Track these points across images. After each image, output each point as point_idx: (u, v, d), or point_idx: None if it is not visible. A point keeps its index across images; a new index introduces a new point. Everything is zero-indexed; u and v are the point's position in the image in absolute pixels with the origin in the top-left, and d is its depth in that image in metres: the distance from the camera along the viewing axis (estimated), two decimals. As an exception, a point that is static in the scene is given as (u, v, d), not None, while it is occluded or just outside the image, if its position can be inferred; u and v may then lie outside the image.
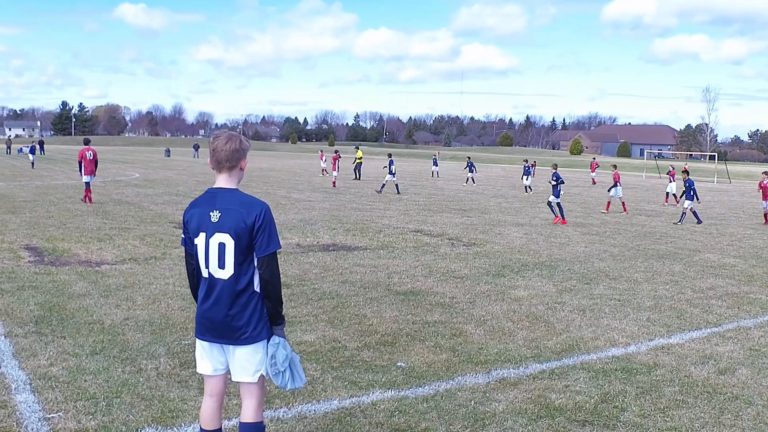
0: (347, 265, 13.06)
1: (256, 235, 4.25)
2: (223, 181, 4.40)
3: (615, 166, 31.34)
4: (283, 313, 4.48)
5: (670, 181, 34.21)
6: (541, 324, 9.29)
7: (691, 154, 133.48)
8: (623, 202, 27.96)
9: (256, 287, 4.35)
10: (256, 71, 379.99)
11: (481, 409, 6.20)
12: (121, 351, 7.47)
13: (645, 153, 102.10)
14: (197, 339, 4.51)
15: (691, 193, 24.06)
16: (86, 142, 24.64)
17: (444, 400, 6.39)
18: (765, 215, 24.92)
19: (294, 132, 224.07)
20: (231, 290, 4.30)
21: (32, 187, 29.51)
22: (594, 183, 48.04)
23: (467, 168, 45.19)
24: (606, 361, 7.79)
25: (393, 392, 6.54)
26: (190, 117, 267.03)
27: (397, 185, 35.03)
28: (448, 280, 12.02)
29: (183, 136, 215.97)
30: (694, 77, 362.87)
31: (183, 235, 4.53)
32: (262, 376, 4.45)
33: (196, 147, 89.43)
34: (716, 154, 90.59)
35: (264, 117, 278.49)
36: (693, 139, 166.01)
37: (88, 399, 6.07)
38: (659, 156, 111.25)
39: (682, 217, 24.07)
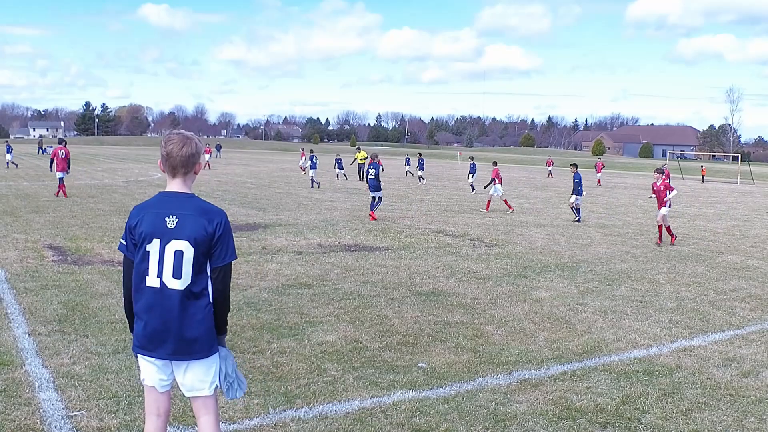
0: (369, 266, 13.07)
1: (215, 244, 4.03)
2: (177, 185, 4.12)
3: (495, 163, 28.91)
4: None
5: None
6: (563, 325, 9.25)
7: (713, 155, 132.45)
8: (505, 200, 26.34)
9: (211, 298, 4.11)
10: (278, 71, 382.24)
11: (502, 410, 6.19)
12: (143, 350, 7.51)
13: (667, 154, 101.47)
14: (139, 355, 4.15)
15: (579, 189, 22.96)
16: (60, 142, 26.98)
17: (465, 401, 6.39)
18: (660, 228, 18.86)
19: (316, 132, 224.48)
20: (185, 301, 4.02)
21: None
22: (599, 184, 47.57)
23: (418, 167, 45.16)
24: (628, 362, 7.74)
25: (414, 393, 6.54)
26: (212, 117, 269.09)
27: (314, 179, 35.72)
28: (469, 281, 12.00)
29: (205, 137, 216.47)
30: (717, 77, 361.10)
31: (123, 241, 4.17)
32: (216, 387, 4.21)
33: (219, 147, 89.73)
34: (739, 154, 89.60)
35: (286, 117, 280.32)
36: (716, 140, 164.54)
37: (110, 398, 6.12)
38: (682, 157, 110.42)
39: (574, 211, 23.01)
